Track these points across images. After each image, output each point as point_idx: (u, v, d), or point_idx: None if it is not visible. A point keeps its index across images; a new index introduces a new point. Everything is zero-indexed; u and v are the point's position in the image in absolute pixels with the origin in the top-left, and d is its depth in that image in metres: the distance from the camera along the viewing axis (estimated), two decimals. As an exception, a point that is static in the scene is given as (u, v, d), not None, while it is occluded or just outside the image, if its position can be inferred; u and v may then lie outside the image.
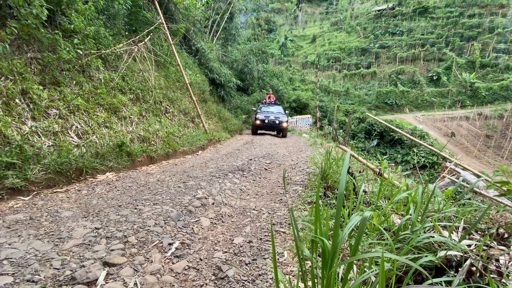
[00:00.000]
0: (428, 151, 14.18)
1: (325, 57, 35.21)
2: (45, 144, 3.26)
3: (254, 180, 3.75)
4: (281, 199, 2.93)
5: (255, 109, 13.20)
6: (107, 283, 1.43)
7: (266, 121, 11.72)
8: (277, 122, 11.65)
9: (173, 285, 1.47)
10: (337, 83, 30.84)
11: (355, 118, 20.17)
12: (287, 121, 11.87)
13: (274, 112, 12.53)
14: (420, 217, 1.82)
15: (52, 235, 1.88)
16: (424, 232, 1.71)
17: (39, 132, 3.32)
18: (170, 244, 1.88)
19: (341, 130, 17.68)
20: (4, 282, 1.37)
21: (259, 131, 12.81)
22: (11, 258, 1.58)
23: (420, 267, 1.36)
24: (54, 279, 1.42)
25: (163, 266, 1.64)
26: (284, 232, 2.11)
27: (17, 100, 3.27)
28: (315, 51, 36.99)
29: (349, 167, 2.99)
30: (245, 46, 17.05)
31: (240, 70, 16.03)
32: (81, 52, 4.25)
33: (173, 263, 1.67)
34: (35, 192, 2.68)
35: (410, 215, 1.71)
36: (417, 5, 38.94)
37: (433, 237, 1.55)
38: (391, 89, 27.96)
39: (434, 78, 28.71)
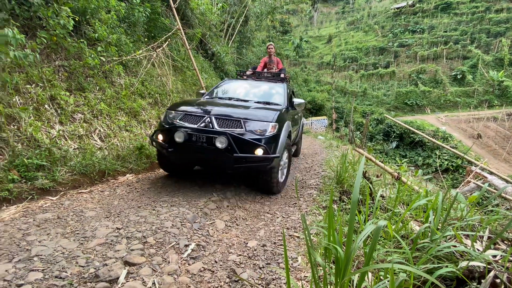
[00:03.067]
0: (452, 153, 13.50)
1: (341, 58, 34.59)
2: (71, 147, 3.45)
3: (268, 183, 3.76)
4: (295, 203, 2.92)
5: (202, 92, 4.51)
6: (128, 281, 1.50)
7: (182, 139, 2.79)
8: (222, 145, 2.69)
9: (189, 286, 1.52)
10: (353, 84, 30.18)
11: (373, 119, 19.64)
12: (272, 139, 2.93)
13: (247, 104, 3.60)
14: (440, 225, 1.76)
15: (78, 234, 1.99)
16: (445, 241, 1.64)
17: (66, 136, 3.52)
18: (186, 245, 1.94)
19: (358, 132, 17.27)
20: (35, 278, 1.48)
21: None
22: (41, 255, 1.69)
23: (440, 278, 1.32)
24: (80, 276, 1.51)
25: (179, 267, 1.69)
26: (298, 237, 2.11)
27: (46, 106, 3.49)
28: (331, 52, 36.44)
29: (366, 171, 2.93)
30: (260, 48, 17.10)
31: (255, 73, 16.09)
32: (103, 59, 4.47)
33: (189, 264, 1.72)
34: (62, 193, 2.85)
35: (430, 222, 1.65)
36: (439, 1, 37.33)
37: (455, 246, 1.50)
38: (411, 89, 26.95)
39: (458, 77, 27.35)
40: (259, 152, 2.74)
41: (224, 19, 13.52)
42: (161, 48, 6.13)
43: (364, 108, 24.32)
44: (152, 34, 6.54)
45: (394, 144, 17.04)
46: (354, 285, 1.26)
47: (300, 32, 43.68)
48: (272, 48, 6.07)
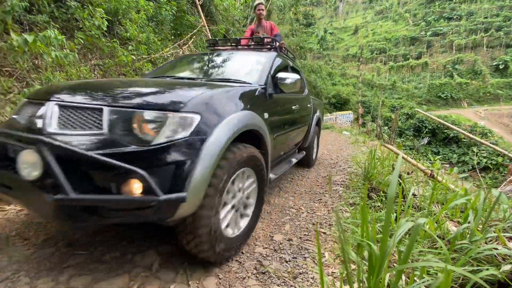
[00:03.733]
0: (492, 150, 12.43)
1: (369, 49, 33.13)
2: (106, 141, 3.69)
3: (292, 178, 3.74)
4: (320, 199, 2.89)
5: (147, 72, 3.82)
6: (161, 268, 1.58)
7: None
8: (29, 172, 1.12)
9: (218, 275, 1.57)
10: (382, 76, 28.83)
11: (403, 114, 18.67)
12: (178, 152, 1.25)
13: (180, 82, 2.13)
14: (481, 226, 1.64)
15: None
16: (486, 243, 1.54)
17: (101, 130, 3.77)
18: (213, 236, 2.00)
19: (386, 127, 16.53)
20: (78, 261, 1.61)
21: None
22: (84, 240, 1.83)
23: (481, 280, 1.24)
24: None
25: (208, 256, 1.75)
26: (324, 233, 2.09)
27: (84, 102, 3.76)
28: (357, 43, 35.00)
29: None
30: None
31: (278, 67, 15.94)
32: (134, 57, 4.69)
33: (217, 255, 1.78)
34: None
35: (469, 223, 1.55)
36: (480, -16, 34.23)
37: (497, 249, 1.40)
38: (446, 81, 25.16)
39: (501, 67, 25.02)
40: (133, 187, 1.17)
41: (247, 14, 13.48)
42: (187, 45, 6.29)
43: (393, 102, 23.18)
44: (178, 32, 6.72)
45: (425, 140, 16.10)
46: (386, 283, 1.23)
47: (324, 24, 42.38)
48: (262, 10, 4.38)
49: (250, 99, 1.91)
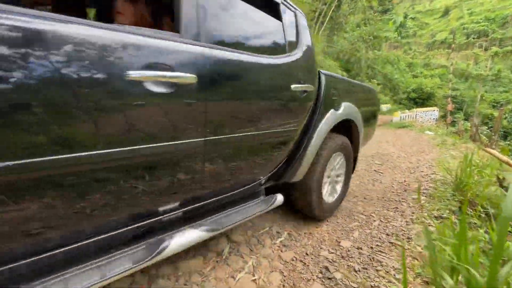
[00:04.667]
0: None
1: (463, 33, 27.74)
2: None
3: (360, 182, 3.47)
4: (396, 207, 2.59)
5: None
6: (230, 255, 1.70)
7: None
8: None
9: (283, 272, 1.59)
10: (480, 65, 23.81)
11: (510, 111, 15.02)
12: None
13: None
14: None
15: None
16: None
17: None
18: (278, 232, 2.03)
19: (485, 127, 13.60)
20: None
21: None
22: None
23: None
24: (194, 244, 1.80)
25: (273, 251, 1.79)
26: (401, 246, 1.86)
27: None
28: (448, 27, 29.73)
29: (502, 178, 2.27)
30: (353, 33, 15.72)
31: (347, 60, 14.99)
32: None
33: (281, 251, 1.80)
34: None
35: None
36: None
37: None
38: None
39: None
40: None
41: (315, 7, 13.05)
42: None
43: (496, 96, 18.94)
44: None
45: (544, 145, 12.59)
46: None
47: (404, 8, 37.46)
48: None
49: None
